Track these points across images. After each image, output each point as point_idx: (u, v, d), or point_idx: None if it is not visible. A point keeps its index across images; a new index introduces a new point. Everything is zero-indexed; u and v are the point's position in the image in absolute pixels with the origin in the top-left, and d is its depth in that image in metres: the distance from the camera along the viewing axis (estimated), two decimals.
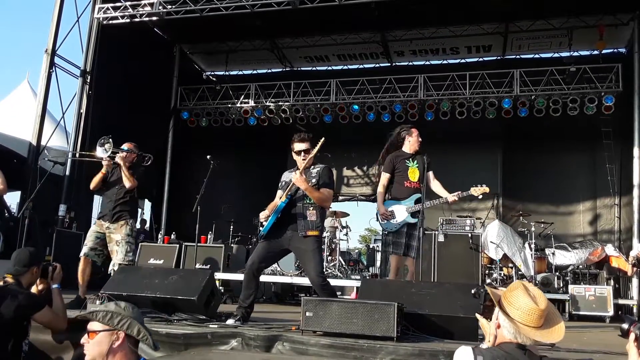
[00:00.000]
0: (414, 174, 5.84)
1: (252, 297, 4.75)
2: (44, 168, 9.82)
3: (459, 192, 5.69)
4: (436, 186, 5.92)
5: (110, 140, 5.72)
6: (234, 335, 4.16)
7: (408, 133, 6.02)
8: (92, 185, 5.85)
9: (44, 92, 10.00)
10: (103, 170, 5.75)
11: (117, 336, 2.37)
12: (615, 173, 11.18)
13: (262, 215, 4.82)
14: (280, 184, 5.03)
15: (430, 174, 5.92)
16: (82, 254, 5.69)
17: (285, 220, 4.68)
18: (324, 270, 5.59)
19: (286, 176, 5.02)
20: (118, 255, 5.60)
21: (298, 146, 4.82)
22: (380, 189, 5.99)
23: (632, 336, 2.30)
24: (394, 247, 5.77)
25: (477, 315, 2.59)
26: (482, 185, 5.70)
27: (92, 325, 2.41)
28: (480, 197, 5.84)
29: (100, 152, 5.73)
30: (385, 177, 5.97)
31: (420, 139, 5.98)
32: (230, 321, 4.57)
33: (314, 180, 4.71)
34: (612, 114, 10.89)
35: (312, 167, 4.83)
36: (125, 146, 5.99)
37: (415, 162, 5.90)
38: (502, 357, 2.27)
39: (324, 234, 8.99)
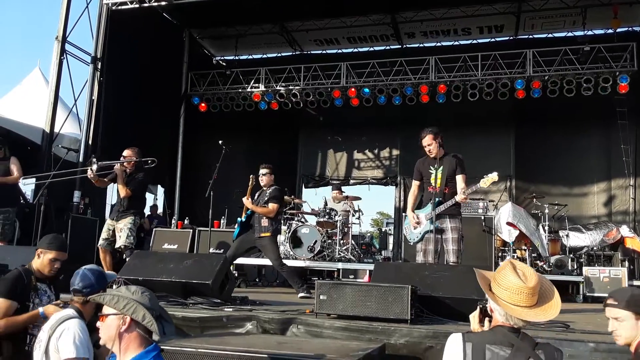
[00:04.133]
0: (436, 179, 5.56)
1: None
2: (58, 155, 9.90)
3: (465, 189, 5.34)
4: (460, 188, 5.48)
5: (96, 161, 6.44)
6: (249, 318, 4.21)
7: (420, 139, 5.72)
8: (98, 185, 6.71)
9: (55, 80, 10.03)
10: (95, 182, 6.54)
11: (124, 320, 2.36)
12: (630, 154, 11.05)
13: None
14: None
15: (459, 177, 5.51)
16: (98, 245, 6.51)
17: (250, 225, 6.72)
18: (281, 258, 6.94)
19: None
20: (120, 239, 6.33)
21: (261, 171, 6.76)
22: (409, 196, 5.91)
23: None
24: (423, 255, 5.51)
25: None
26: (489, 175, 5.29)
27: (103, 309, 2.42)
28: (491, 186, 5.62)
29: (89, 172, 6.42)
30: (414, 184, 5.86)
31: (430, 143, 5.56)
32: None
33: (266, 198, 6.57)
34: (627, 94, 10.74)
35: (268, 187, 6.71)
36: (125, 152, 6.58)
37: (441, 167, 5.56)
38: (492, 342, 2.21)
39: (337, 217, 9.03)
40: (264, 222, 6.52)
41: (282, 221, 9.46)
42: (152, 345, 2.40)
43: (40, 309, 3.44)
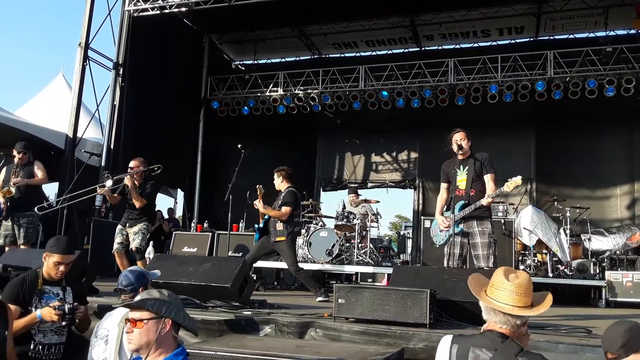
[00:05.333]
0: (461, 182, 5.42)
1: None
2: (81, 159, 10.07)
3: (492, 192, 5.26)
4: (489, 190, 5.35)
5: (110, 175, 6.68)
6: (267, 321, 4.23)
7: (448, 138, 5.55)
8: (111, 202, 6.91)
9: (78, 85, 10.21)
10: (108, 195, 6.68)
11: (165, 324, 2.34)
12: None
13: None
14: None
15: (487, 177, 5.38)
16: (113, 250, 6.62)
17: (267, 230, 6.67)
18: (298, 263, 6.86)
19: None
20: (135, 242, 6.54)
21: (274, 175, 6.85)
22: (438, 199, 5.77)
23: None
24: (450, 258, 5.40)
25: None
26: (513, 178, 5.19)
27: (141, 314, 2.36)
28: (514, 190, 5.51)
29: (104, 190, 6.56)
30: (442, 187, 5.72)
31: (460, 143, 5.43)
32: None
33: (280, 202, 6.57)
34: None
35: (284, 190, 6.67)
36: (132, 163, 6.72)
37: (466, 168, 5.44)
38: (477, 345, 2.25)
39: (355, 221, 9.02)
40: (279, 226, 6.50)
41: (301, 224, 9.49)
42: (180, 348, 2.41)
43: (38, 312, 3.47)
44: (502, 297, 2.29)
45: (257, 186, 6.70)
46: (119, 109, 10.66)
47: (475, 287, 2.43)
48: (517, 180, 5.19)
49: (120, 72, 10.76)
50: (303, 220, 9.63)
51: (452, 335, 2.37)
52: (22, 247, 6.75)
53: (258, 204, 6.60)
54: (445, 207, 5.66)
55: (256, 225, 6.96)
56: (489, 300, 2.32)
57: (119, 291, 3.47)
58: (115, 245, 6.61)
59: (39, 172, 7.01)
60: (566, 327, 4.30)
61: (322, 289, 6.60)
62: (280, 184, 6.75)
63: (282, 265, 8.79)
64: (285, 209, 6.48)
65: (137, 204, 6.57)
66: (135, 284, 3.43)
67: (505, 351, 2.20)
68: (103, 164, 10.35)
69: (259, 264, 8.70)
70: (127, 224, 6.66)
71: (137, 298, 2.49)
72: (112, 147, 10.48)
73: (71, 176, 9.34)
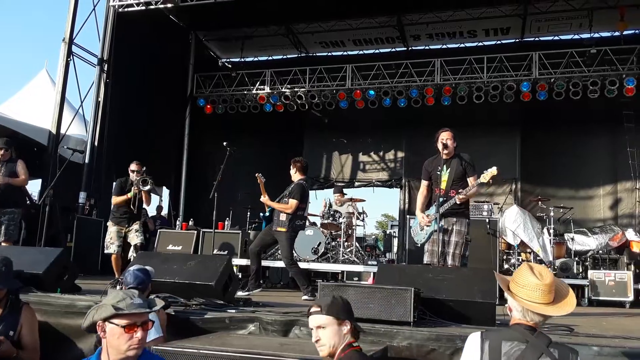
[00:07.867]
0: (444, 182, 5.45)
1: (256, 270, 6.60)
2: (64, 156, 9.96)
3: (466, 189, 5.31)
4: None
5: (150, 180, 7.04)
6: (251, 319, 4.21)
7: (435, 136, 5.58)
8: (118, 202, 7.15)
9: (62, 81, 10.09)
10: (130, 195, 7.05)
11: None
12: (636, 157, 10.97)
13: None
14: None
15: (470, 179, 5.42)
16: (113, 252, 6.97)
17: (271, 218, 6.75)
18: (294, 257, 6.91)
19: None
20: (138, 238, 7.00)
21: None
22: (418, 196, 5.82)
23: None
24: (429, 256, 5.47)
25: None
26: (488, 170, 5.23)
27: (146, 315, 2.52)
28: (490, 182, 5.53)
29: (146, 188, 7.04)
30: (422, 184, 5.76)
31: (446, 142, 5.43)
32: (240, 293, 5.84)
33: (287, 193, 6.61)
34: (633, 97, 10.68)
35: (294, 183, 6.69)
36: (135, 167, 7.11)
37: (449, 168, 5.46)
38: (508, 338, 2.35)
39: (341, 220, 9.03)
40: (282, 216, 6.55)
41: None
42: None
43: None
44: (532, 296, 2.40)
45: (257, 174, 6.76)
46: (104, 105, 10.55)
47: (503, 285, 2.55)
48: (493, 170, 5.24)
49: (105, 68, 10.65)
50: None
51: (480, 332, 2.47)
52: (2, 244, 6.65)
53: (263, 198, 6.75)
54: (426, 205, 5.70)
55: (261, 214, 7.04)
56: (520, 300, 2.42)
57: (136, 289, 3.60)
58: (115, 248, 6.91)
59: (21, 172, 6.89)
60: (548, 325, 4.32)
61: (310, 287, 6.59)
62: (293, 174, 6.79)
63: (268, 263, 8.78)
64: (291, 202, 6.51)
65: (149, 203, 7.25)
66: (147, 281, 3.76)
67: (537, 343, 2.32)
68: (87, 160, 10.25)
69: (245, 262, 8.69)
70: (124, 224, 6.98)
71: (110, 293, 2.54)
72: (96, 143, 10.38)
73: (54, 173, 9.23)
